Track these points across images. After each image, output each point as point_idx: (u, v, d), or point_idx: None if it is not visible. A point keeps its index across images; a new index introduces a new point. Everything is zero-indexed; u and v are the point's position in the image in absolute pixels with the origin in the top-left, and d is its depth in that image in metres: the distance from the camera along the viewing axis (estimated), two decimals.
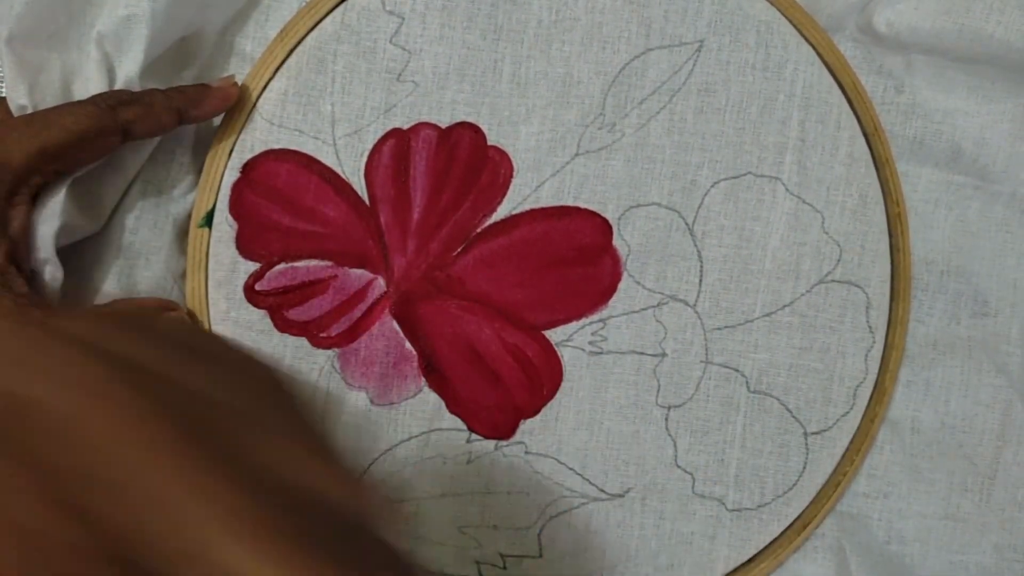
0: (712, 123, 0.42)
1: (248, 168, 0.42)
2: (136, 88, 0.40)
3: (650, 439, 0.43)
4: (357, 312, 0.42)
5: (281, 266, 0.42)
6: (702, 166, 0.42)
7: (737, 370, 0.43)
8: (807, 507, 0.43)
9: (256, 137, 0.42)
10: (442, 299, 0.42)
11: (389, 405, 0.42)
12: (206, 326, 0.42)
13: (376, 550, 0.20)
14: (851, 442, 0.43)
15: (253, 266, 0.42)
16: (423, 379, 0.42)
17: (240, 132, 0.42)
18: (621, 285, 0.43)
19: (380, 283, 0.42)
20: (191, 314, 0.41)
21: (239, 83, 0.41)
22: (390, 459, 0.43)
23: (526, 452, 0.42)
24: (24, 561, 0.16)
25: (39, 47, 0.39)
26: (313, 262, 0.42)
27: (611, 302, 0.42)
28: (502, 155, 0.42)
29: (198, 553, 0.17)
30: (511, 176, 0.42)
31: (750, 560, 0.43)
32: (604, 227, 0.42)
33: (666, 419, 0.43)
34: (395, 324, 0.42)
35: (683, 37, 0.42)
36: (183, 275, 0.42)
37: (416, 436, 0.42)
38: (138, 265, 0.42)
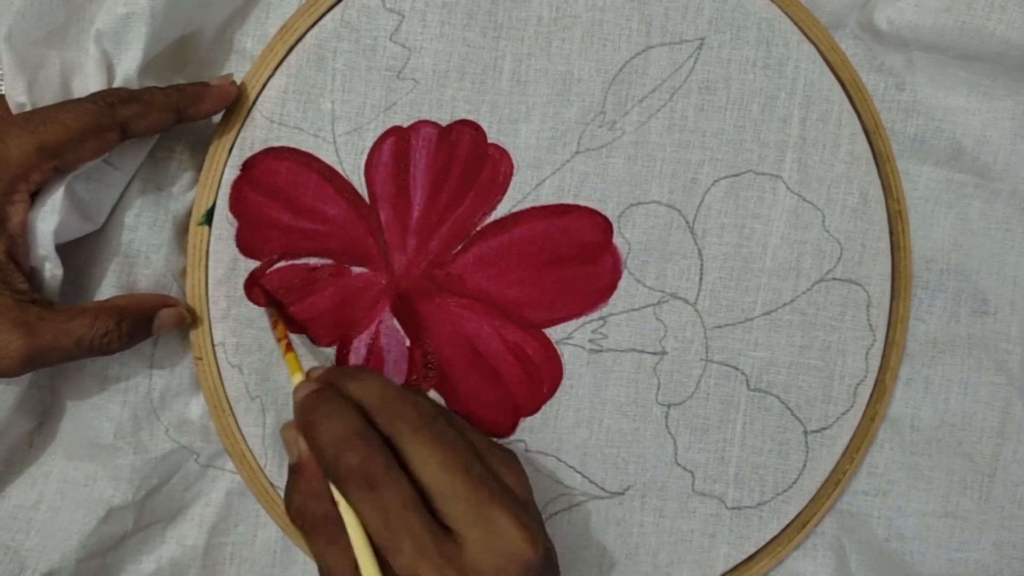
0: (713, 121, 0.42)
1: (248, 166, 0.42)
2: (135, 86, 0.40)
3: (650, 437, 0.43)
4: (357, 310, 0.42)
5: (281, 264, 0.42)
6: (703, 164, 0.42)
7: (737, 368, 0.43)
8: (807, 505, 0.43)
9: (256, 135, 0.42)
10: (442, 297, 0.42)
11: None
12: (206, 324, 0.42)
13: None
14: (851, 440, 0.43)
15: (253, 263, 0.42)
16: (423, 377, 0.42)
17: (240, 130, 0.42)
18: (621, 283, 0.42)
19: (380, 281, 0.42)
20: (191, 311, 0.41)
21: (238, 81, 0.41)
22: None
23: (526, 450, 0.42)
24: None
25: (38, 44, 0.39)
26: (313, 260, 0.42)
27: (611, 300, 0.42)
28: (502, 153, 0.42)
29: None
30: (511, 174, 0.42)
31: (750, 558, 0.43)
32: (604, 225, 0.42)
33: (666, 417, 0.43)
34: (395, 322, 0.42)
35: (684, 34, 0.42)
36: (183, 273, 0.42)
37: None
38: (138, 263, 0.42)
